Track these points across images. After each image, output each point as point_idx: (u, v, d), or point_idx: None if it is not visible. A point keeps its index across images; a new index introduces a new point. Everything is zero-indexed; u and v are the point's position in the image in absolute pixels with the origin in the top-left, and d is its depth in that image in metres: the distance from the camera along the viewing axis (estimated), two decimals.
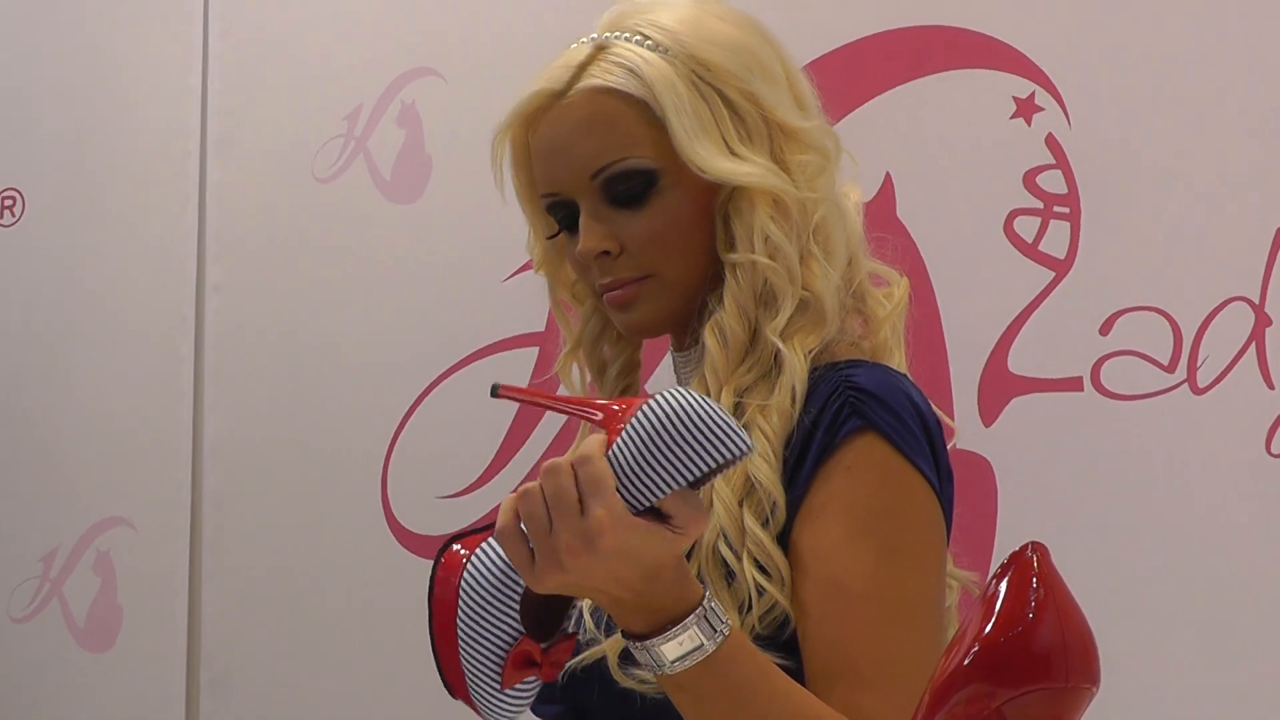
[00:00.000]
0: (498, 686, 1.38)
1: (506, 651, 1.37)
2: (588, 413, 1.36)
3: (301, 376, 3.28)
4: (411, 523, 3.02)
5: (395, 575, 3.03)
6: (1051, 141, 2.53)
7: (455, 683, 1.40)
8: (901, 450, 1.53)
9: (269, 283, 3.33)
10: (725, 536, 1.51)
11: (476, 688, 1.39)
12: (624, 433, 1.31)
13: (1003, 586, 0.92)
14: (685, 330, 1.68)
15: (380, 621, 3.06)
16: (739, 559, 1.50)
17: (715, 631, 1.37)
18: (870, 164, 2.64)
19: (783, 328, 1.60)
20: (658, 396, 1.32)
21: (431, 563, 1.46)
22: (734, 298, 1.61)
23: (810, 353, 1.60)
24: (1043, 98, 2.54)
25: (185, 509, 3.36)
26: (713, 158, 1.59)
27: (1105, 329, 2.46)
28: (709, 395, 1.57)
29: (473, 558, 1.40)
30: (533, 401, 1.42)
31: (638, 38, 1.64)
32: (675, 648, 1.38)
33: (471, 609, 1.38)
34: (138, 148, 3.48)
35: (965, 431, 2.52)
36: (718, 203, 1.63)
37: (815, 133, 1.68)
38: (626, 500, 1.30)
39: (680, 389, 1.32)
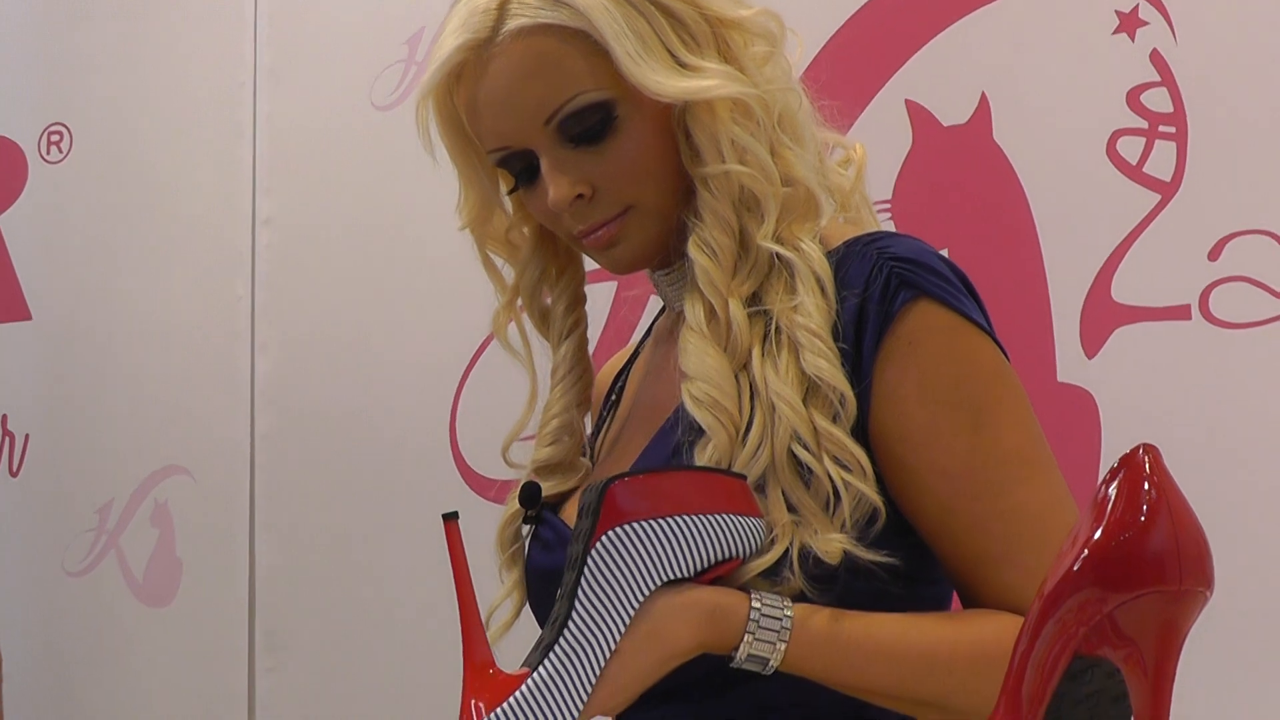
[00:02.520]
0: None
1: None
2: (468, 633, 1.45)
3: (359, 314, 3.32)
4: (481, 465, 3.04)
5: (463, 520, 3.05)
6: (1156, 57, 2.53)
7: None
8: (957, 309, 1.53)
9: (324, 216, 3.37)
10: (798, 437, 1.51)
11: None
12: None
13: (1113, 490, 0.94)
14: (667, 248, 1.67)
15: (445, 571, 3.08)
16: (817, 459, 1.50)
17: (777, 633, 1.45)
18: (965, 84, 2.67)
19: (774, 230, 1.59)
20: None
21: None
22: (712, 210, 1.59)
23: (814, 237, 1.60)
24: (1147, 11, 2.54)
25: (244, 456, 3.42)
26: (665, 79, 1.57)
27: (1214, 254, 2.47)
28: (712, 311, 1.59)
29: None
30: (454, 568, 1.47)
31: None
32: (755, 662, 1.46)
33: None
34: (188, 80, 3.52)
35: (1067, 363, 2.54)
36: (674, 117, 1.61)
37: (757, 19, 1.65)
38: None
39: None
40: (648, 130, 1.61)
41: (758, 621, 1.45)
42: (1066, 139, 2.60)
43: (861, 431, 1.53)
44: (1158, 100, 2.53)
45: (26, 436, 3.67)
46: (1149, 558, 0.91)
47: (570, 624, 1.42)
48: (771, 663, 1.46)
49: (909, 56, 2.73)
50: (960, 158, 2.69)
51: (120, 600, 3.55)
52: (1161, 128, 2.52)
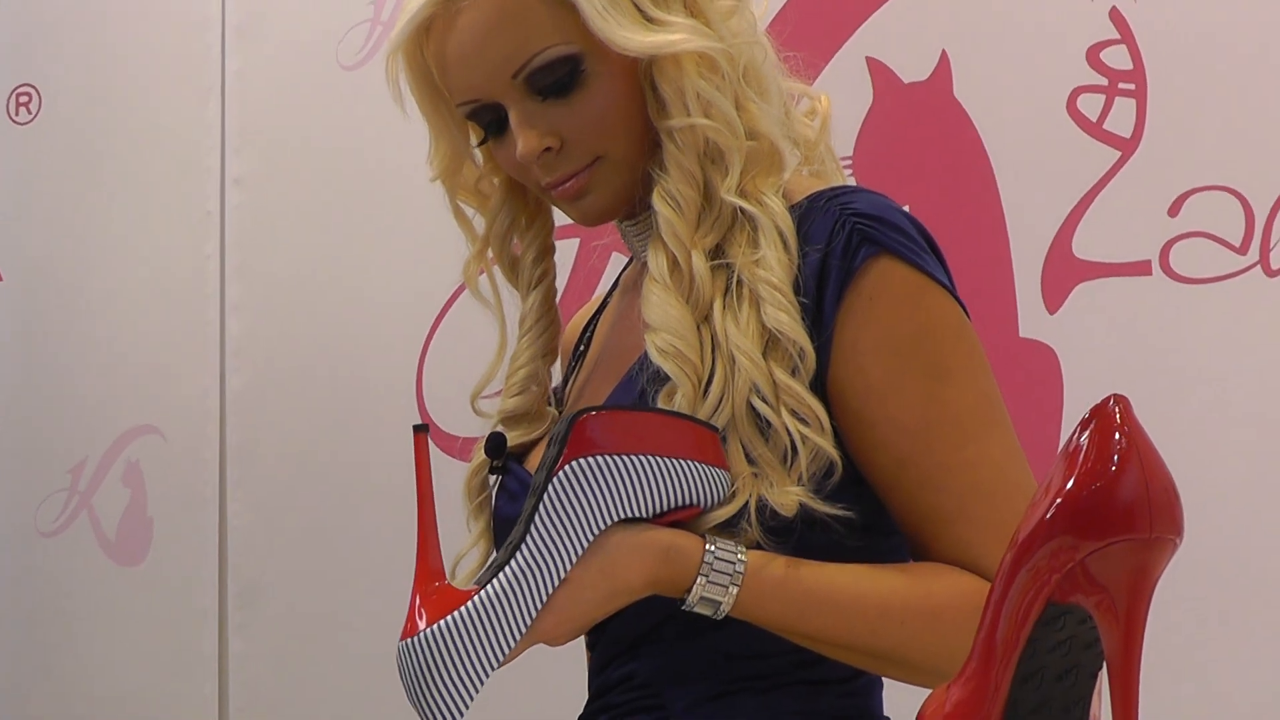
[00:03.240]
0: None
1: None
2: (423, 543, 1.46)
3: (329, 272, 3.32)
4: (448, 424, 3.05)
5: (436, 478, 3.05)
6: (1115, 15, 2.54)
7: None
8: (918, 266, 1.54)
9: (293, 176, 3.37)
10: (757, 390, 1.52)
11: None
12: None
13: (1084, 439, 0.96)
14: (634, 199, 1.67)
15: (413, 528, 3.09)
16: (775, 411, 1.51)
17: (729, 576, 1.47)
18: (925, 41, 2.68)
19: (738, 183, 1.59)
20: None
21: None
22: (677, 163, 1.59)
23: (778, 191, 1.60)
24: None
25: (215, 416, 3.42)
26: (632, 34, 1.57)
27: (1174, 210, 2.49)
28: (675, 262, 1.59)
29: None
30: (418, 479, 1.48)
31: None
32: (706, 605, 1.47)
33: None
34: (156, 39, 3.51)
35: (1029, 319, 2.55)
36: (641, 68, 1.61)
37: None
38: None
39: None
40: (615, 83, 1.61)
41: (711, 565, 1.47)
42: (1027, 96, 2.61)
43: (820, 386, 1.54)
44: (1117, 58, 2.54)
45: None
46: (1120, 506, 0.92)
47: (523, 547, 1.43)
48: (723, 606, 1.47)
49: (870, 14, 2.74)
50: (921, 115, 2.70)
51: (92, 560, 3.56)
52: (1121, 85, 2.54)
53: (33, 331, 3.64)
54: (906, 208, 1.62)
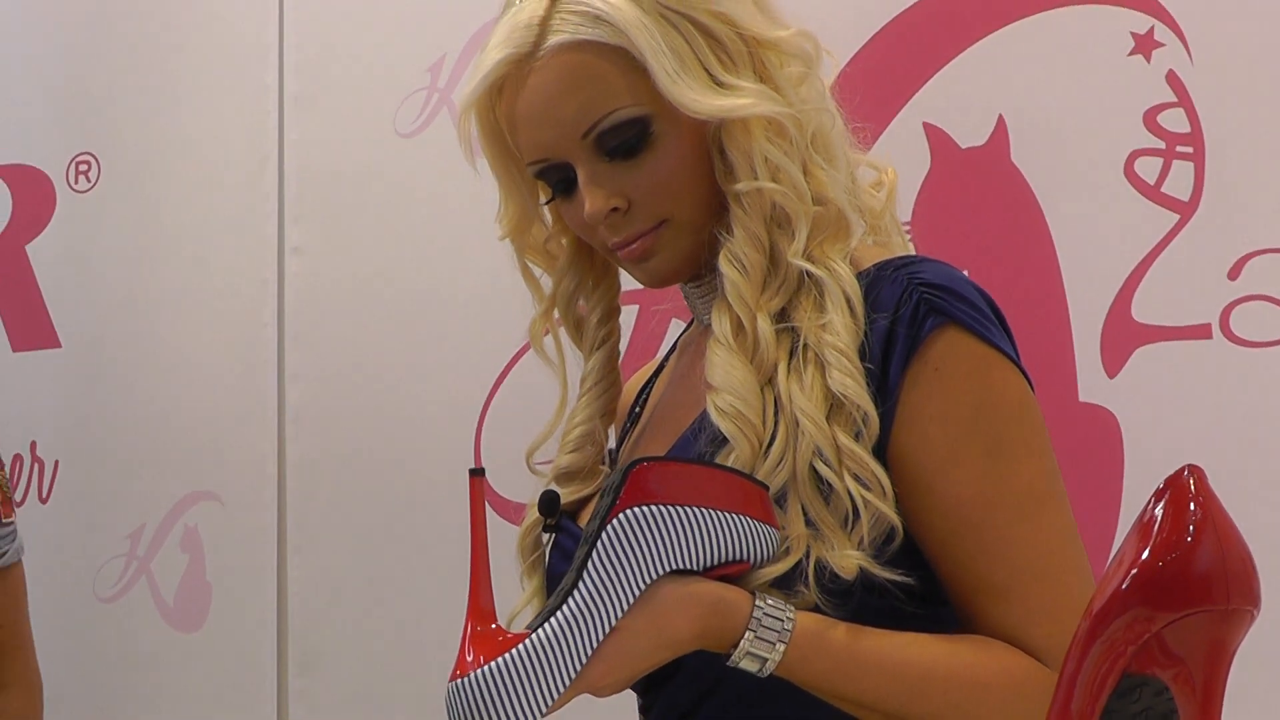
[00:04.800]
0: None
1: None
2: (476, 584, 1.47)
3: (387, 339, 3.32)
4: (507, 490, 3.04)
5: (492, 544, 3.05)
6: (1172, 78, 2.54)
7: None
8: (985, 338, 1.54)
9: (351, 243, 3.37)
10: (820, 453, 1.52)
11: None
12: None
13: (1159, 510, 0.95)
14: (700, 262, 1.68)
15: None
16: (838, 475, 1.51)
17: (777, 634, 1.46)
18: (982, 106, 2.67)
19: (804, 248, 1.60)
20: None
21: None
22: (743, 226, 1.60)
23: (845, 257, 1.60)
24: (1162, 33, 2.55)
25: (273, 482, 3.42)
26: (702, 97, 1.58)
27: (1234, 273, 2.47)
28: (740, 324, 1.60)
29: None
30: (472, 521, 1.49)
31: None
32: (752, 660, 1.47)
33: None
34: (214, 108, 3.53)
35: (1088, 383, 2.54)
36: (710, 134, 1.62)
37: (794, 40, 1.66)
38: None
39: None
40: (683, 146, 1.63)
41: (760, 620, 1.47)
42: (1084, 160, 2.60)
43: (882, 452, 1.54)
44: (1175, 120, 2.53)
45: (56, 463, 3.68)
46: (1196, 577, 0.92)
47: (575, 594, 1.44)
48: (769, 663, 1.47)
49: (926, 79, 2.74)
50: (978, 179, 2.69)
51: (151, 625, 3.56)
52: (1179, 148, 2.53)
53: (91, 397, 3.65)
54: (965, 272, 1.62)
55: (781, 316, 1.61)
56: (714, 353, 1.60)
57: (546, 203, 1.73)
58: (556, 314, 1.82)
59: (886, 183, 1.76)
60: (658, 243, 1.64)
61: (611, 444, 1.86)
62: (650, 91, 1.60)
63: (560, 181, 1.67)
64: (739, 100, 1.59)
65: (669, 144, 1.62)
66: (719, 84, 1.61)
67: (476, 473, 1.49)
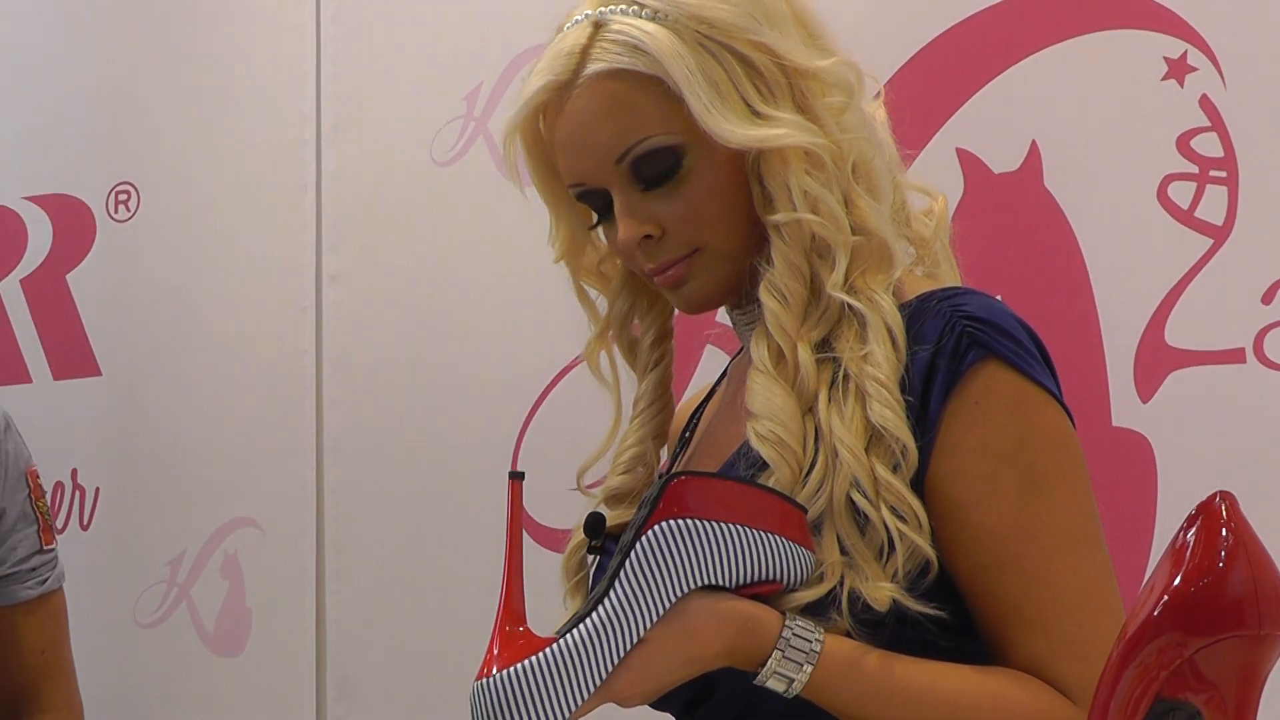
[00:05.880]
0: None
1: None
2: (509, 587, 1.48)
3: (425, 367, 3.33)
4: (544, 516, 3.05)
5: (527, 569, 3.05)
6: (1206, 103, 2.54)
7: None
8: (1026, 374, 1.54)
9: (389, 271, 3.39)
10: (858, 484, 1.52)
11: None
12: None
13: (1191, 536, 0.96)
14: (739, 290, 1.69)
15: None
16: (875, 507, 1.51)
17: (805, 655, 1.47)
18: (1015, 132, 2.68)
19: (844, 279, 1.60)
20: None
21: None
22: (784, 257, 1.61)
23: (888, 288, 1.60)
24: (1195, 58, 2.55)
25: (311, 508, 3.44)
26: (737, 127, 1.59)
27: (1267, 298, 2.48)
28: (780, 353, 1.60)
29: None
30: (509, 523, 1.50)
31: (634, 8, 1.63)
32: (779, 680, 1.47)
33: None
34: (252, 137, 3.55)
35: (1122, 407, 2.54)
36: (748, 164, 1.63)
37: (835, 69, 1.66)
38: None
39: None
40: (719, 176, 1.63)
41: (789, 640, 1.47)
42: (1118, 185, 2.61)
43: (920, 483, 1.54)
44: (1208, 145, 2.53)
45: (97, 490, 3.69)
46: (1228, 602, 0.92)
47: (605, 601, 1.44)
48: (796, 683, 1.47)
49: (960, 105, 2.74)
50: (1012, 205, 2.69)
51: (192, 651, 3.57)
52: (1212, 172, 2.53)
53: (132, 425, 3.66)
54: (999, 298, 1.62)
55: (823, 346, 1.61)
56: (754, 380, 1.61)
57: (591, 227, 1.75)
58: (611, 334, 1.83)
59: (936, 210, 1.76)
60: (691, 270, 1.65)
61: (663, 467, 1.87)
62: (685, 121, 1.60)
63: (601, 206, 1.68)
64: (774, 131, 1.60)
65: (703, 173, 1.62)
66: (756, 114, 1.61)
67: (516, 476, 1.50)
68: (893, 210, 1.69)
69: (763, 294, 1.62)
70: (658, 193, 1.63)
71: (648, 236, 1.64)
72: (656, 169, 1.62)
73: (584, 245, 1.79)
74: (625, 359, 1.84)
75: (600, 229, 1.73)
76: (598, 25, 1.64)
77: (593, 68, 1.62)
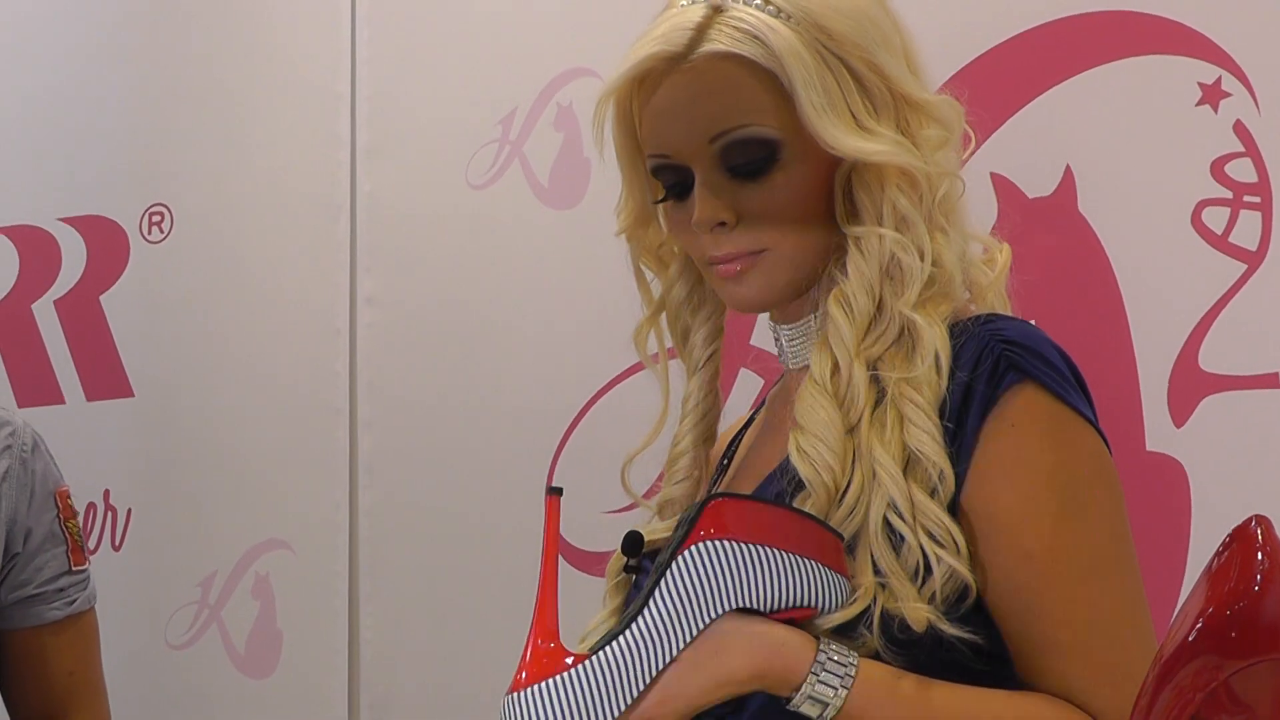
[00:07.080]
0: None
1: None
2: (542, 602, 1.49)
3: (459, 390, 3.34)
4: (579, 539, 3.05)
5: (561, 593, 3.06)
6: (1240, 128, 2.54)
7: None
8: (1062, 398, 1.55)
9: (423, 294, 3.40)
10: (894, 506, 1.53)
11: None
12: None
13: (1226, 560, 0.96)
14: (792, 302, 1.70)
15: None
16: (911, 530, 1.52)
17: (840, 679, 1.47)
18: (1049, 157, 2.68)
19: (914, 301, 1.61)
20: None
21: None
22: (859, 270, 1.62)
23: (944, 319, 1.61)
24: (1229, 83, 2.55)
25: (344, 530, 3.45)
26: (843, 134, 1.60)
27: None
28: (837, 367, 1.61)
29: None
30: (545, 538, 1.51)
31: (758, 1, 1.63)
32: (813, 705, 1.48)
33: None
34: (286, 160, 3.56)
35: (1155, 432, 2.54)
36: (839, 173, 1.64)
37: (939, 105, 1.69)
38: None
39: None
40: (806, 180, 1.64)
41: (824, 664, 1.48)
42: (1151, 210, 2.60)
43: (955, 506, 1.55)
44: (1242, 170, 2.53)
45: (129, 511, 3.71)
46: (1264, 626, 0.93)
47: (639, 619, 1.45)
48: (830, 708, 1.48)
49: (993, 130, 2.74)
50: (1046, 230, 2.69)
51: (223, 672, 3.58)
52: (1246, 197, 2.53)
53: (163, 446, 3.68)
54: (1033, 322, 1.63)
55: (872, 366, 1.62)
56: (806, 391, 1.62)
57: (657, 201, 1.75)
58: (664, 321, 1.83)
59: (1000, 261, 1.76)
60: (753, 266, 1.65)
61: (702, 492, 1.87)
62: (789, 120, 1.62)
63: (675, 184, 1.68)
64: (877, 145, 1.61)
65: (793, 175, 1.63)
66: (861, 126, 1.62)
67: (554, 491, 1.52)
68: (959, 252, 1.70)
69: (831, 304, 1.63)
70: (743, 182, 1.63)
71: (721, 223, 1.64)
72: (748, 158, 1.63)
73: (649, 221, 1.80)
74: (676, 346, 1.84)
75: (661, 209, 1.74)
76: (717, 9, 1.64)
77: (709, 47, 1.62)
